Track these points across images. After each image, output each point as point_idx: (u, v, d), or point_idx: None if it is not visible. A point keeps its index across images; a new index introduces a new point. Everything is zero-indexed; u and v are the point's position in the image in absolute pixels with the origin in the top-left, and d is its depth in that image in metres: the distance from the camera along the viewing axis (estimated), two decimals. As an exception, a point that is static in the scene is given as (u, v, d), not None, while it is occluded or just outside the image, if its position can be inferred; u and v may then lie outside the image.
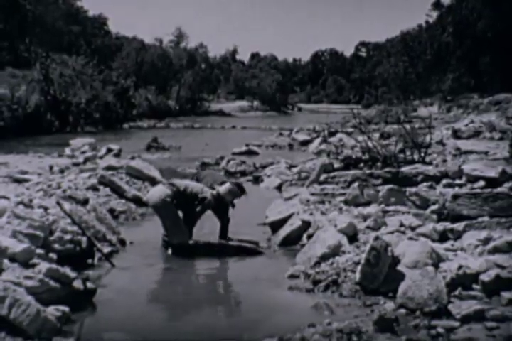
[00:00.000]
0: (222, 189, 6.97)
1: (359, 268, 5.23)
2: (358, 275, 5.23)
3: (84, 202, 7.40)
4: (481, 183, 7.77)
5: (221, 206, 7.02)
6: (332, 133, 21.13)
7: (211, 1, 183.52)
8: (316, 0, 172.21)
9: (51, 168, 11.06)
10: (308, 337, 4.16)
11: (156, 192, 6.85)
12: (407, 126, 12.33)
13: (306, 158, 14.22)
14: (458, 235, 5.92)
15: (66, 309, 4.42)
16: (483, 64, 43.39)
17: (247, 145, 18.57)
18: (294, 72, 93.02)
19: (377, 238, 5.26)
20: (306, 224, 7.01)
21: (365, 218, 6.65)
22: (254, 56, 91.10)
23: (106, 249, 6.41)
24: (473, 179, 7.99)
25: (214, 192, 6.90)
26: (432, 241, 5.78)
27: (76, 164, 11.83)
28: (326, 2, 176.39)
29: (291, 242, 7.01)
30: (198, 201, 6.76)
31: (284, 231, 7.21)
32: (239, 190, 7.08)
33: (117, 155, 14.41)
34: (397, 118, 24.35)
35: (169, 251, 6.70)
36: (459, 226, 6.00)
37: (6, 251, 4.87)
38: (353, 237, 6.10)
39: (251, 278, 6.05)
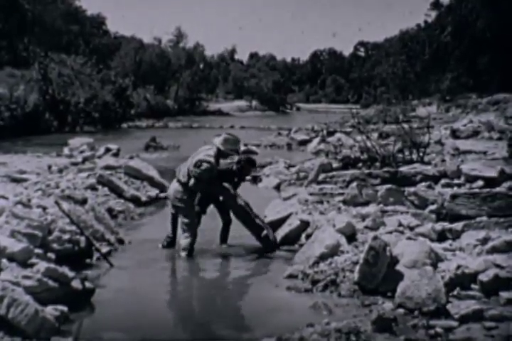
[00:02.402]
0: (219, 140, 6.83)
1: (357, 267, 5.23)
2: (356, 275, 5.23)
3: (83, 201, 7.40)
4: (480, 183, 7.77)
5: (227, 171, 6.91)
6: (331, 133, 21.12)
7: (210, 1, 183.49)
8: (316, 0, 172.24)
9: (50, 167, 11.05)
10: (306, 337, 4.16)
11: (171, 190, 6.86)
12: (406, 126, 12.32)
13: (305, 158, 14.22)
14: (456, 235, 5.92)
15: (64, 309, 4.42)
16: (481, 64, 43.38)
17: (245, 144, 18.56)
18: (292, 72, 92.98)
19: (375, 238, 5.26)
20: (304, 224, 7.01)
21: (363, 218, 6.65)
22: (253, 56, 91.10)
23: (104, 249, 6.41)
24: (471, 179, 7.99)
25: (211, 152, 6.74)
26: (431, 240, 5.78)
27: (74, 164, 11.82)
28: (325, 2, 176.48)
29: (290, 242, 7.00)
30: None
31: (282, 231, 7.20)
32: (238, 139, 6.97)
33: (116, 154, 14.39)
34: (395, 118, 24.31)
35: (181, 253, 6.67)
36: (458, 226, 6.00)
37: (4, 251, 4.86)
38: (351, 237, 6.10)
39: (249, 278, 6.05)
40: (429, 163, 10.38)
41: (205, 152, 6.76)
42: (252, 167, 7.39)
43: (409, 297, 4.74)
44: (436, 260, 5.24)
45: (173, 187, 6.87)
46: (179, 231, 6.87)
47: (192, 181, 6.64)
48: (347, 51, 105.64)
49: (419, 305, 4.64)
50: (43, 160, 12.66)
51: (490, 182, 7.64)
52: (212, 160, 6.64)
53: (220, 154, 6.80)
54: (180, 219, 6.78)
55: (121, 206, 9.02)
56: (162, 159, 16.35)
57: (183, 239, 6.71)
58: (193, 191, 6.79)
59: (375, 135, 16.10)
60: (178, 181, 6.81)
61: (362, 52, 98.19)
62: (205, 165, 6.58)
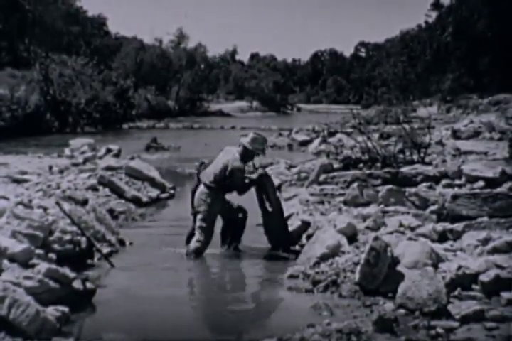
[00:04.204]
0: (246, 139, 6.71)
1: (358, 268, 5.23)
2: (357, 276, 5.22)
3: (84, 202, 7.39)
4: (481, 183, 7.77)
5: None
6: (331, 134, 21.12)
7: (211, 1, 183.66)
8: (316, 0, 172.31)
9: (51, 168, 11.05)
10: (307, 338, 4.15)
11: (197, 193, 6.77)
12: (407, 127, 12.33)
13: (306, 159, 14.21)
14: (457, 235, 5.92)
15: (65, 309, 4.41)
16: (482, 64, 43.38)
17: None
18: (293, 72, 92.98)
19: (376, 238, 5.26)
20: (305, 225, 7.00)
21: (364, 218, 6.65)
22: (254, 56, 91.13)
23: (105, 249, 6.41)
24: (472, 179, 7.99)
25: (237, 154, 6.65)
26: (432, 241, 5.77)
27: (75, 164, 11.82)
28: (325, 2, 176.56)
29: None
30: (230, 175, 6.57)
31: (283, 232, 7.18)
32: (265, 138, 6.89)
33: (117, 155, 14.40)
34: (396, 118, 24.28)
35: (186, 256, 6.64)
36: (459, 226, 5.99)
37: (5, 252, 4.86)
38: (352, 237, 6.10)
39: (250, 278, 6.06)
40: (430, 164, 10.38)
41: (232, 154, 6.69)
42: None
43: (410, 297, 4.73)
44: (437, 260, 5.24)
45: (199, 190, 6.76)
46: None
47: (239, 192, 6.70)
48: (348, 52, 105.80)
49: (420, 306, 4.64)
50: (43, 160, 12.67)
51: (491, 182, 7.64)
52: (240, 164, 6.59)
53: (246, 154, 6.71)
54: (197, 223, 6.68)
55: (122, 207, 9.03)
56: (163, 160, 16.37)
57: (193, 242, 6.65)
58: (218, 197, 6.68)
59: (376, 135, 16.10)
60: (204, 184, 6.73)
61: (363, 53, 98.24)
62: (236, 174, 6.57)
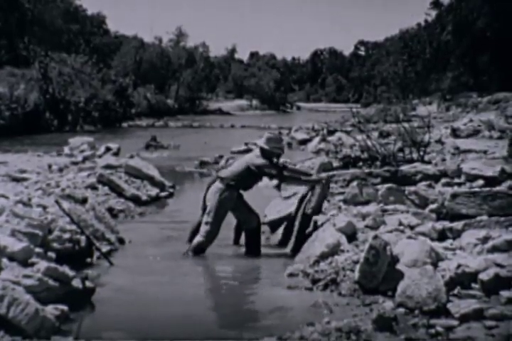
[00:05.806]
0: (262, 141, 6.71)
1: (358, 267, 5.23)
2: (356, 274, 5.22)
3: (83, 200, 7.39)
4: (480, 182, 7.76)
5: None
6: (331, 132, 21.15)
7: (211, 1, 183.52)
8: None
9: (50, 166, 11.05)
10: (307, 336, 4.15)
11: (211, 189, 6.72)
12: (406, 125, 12.32)
13: (305, 157, 14.22)
14: (457, 234, 5.92)
15: (65, 308, 4.41)
16: (482, 63, 43.36)
17: (246, 143, 18.55)
18: (292, 71, 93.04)
19: (376, 237, 5.26)
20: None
21: (364, 217, 6.64)
22: (253, 55, 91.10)
23: (105, 248, 6.40)
24: (472, 178, 7.98)
25: (258, 153, 6.66)
26: (431, 240, 5.77)
27: (75, 163, 11.82)
28: (325, 1, 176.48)
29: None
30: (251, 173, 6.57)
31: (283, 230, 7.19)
32: (280, 137, 6.91)
33: (116, 154, 14.41)
34: (396, 117, 24.30)
35: (189, 252, 6.62)
36: (458, 225, 5.99)
37: (4, 250, 4.86)
38: (352, 236, 6.09)
39: (250, 277, 6.05)
40: (429, 162, 10.37)
41: (253, 154, 6.72)
42: None
43: (409, 296, 4.73)
44: (436, 259, 5.24)
45: (214, 185, 6.70)
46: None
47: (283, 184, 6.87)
48: (347, 50, 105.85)
49: (419, 304, 4.63)
50: (43, 159, 12.66)
51: (490, 181, 7.64)
52: (262, 160, 6.57)
53: (265, 155, 6.67)
54: (205, 218, 6.62)
55: (121, 205, 9.03)
56: (162, 158, 16.37)
57: (197, 238, 6.61)
58: (231, 194, 6.60)
59: (376, 134, 16.12)
60: (220, 178, 6.68)
61: (362, 52, 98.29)
62: (266, 166, 6.55)
